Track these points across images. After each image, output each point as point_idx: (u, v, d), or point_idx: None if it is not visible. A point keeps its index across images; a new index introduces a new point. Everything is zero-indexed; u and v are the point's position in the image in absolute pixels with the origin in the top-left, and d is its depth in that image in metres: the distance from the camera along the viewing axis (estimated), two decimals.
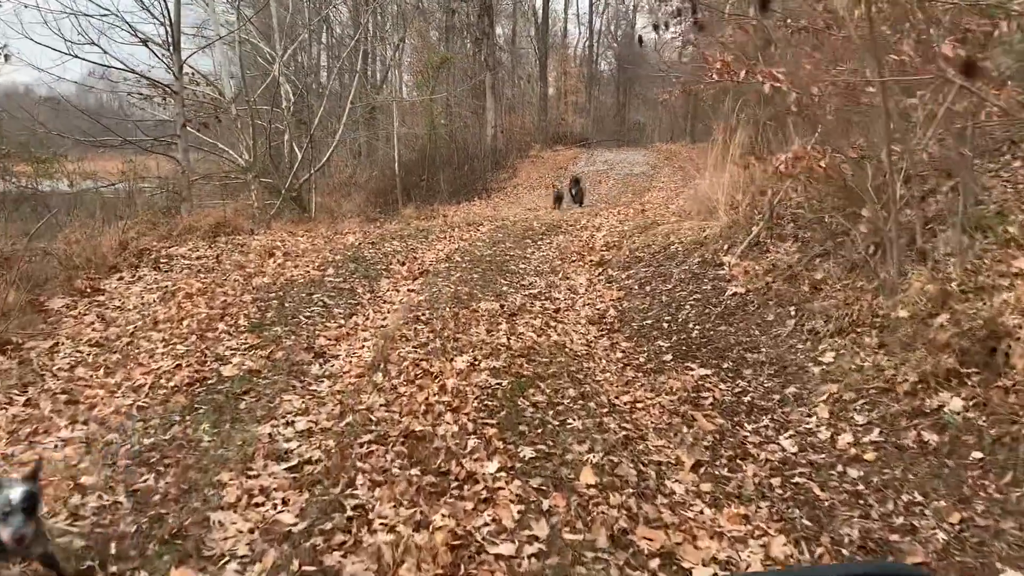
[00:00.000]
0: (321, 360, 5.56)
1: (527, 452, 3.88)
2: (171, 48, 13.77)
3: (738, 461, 3.95)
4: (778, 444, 4.15)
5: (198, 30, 18.69)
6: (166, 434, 4.24)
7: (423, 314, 6.54)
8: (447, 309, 6.65)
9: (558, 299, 7.43)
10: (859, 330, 5.07)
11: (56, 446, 4.09)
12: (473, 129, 27.39)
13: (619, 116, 41.57)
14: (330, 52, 29.66)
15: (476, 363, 5.19)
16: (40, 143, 12.35)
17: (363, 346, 5.90)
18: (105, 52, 12.83)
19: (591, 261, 9.33)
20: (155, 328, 6.31)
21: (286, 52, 19.29)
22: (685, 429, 4.32)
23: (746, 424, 4.43)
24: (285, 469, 3.75)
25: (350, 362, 5.50)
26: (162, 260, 8.95)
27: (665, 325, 6.34)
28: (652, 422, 4.44)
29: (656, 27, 21.34)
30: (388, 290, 7.80)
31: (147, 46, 13.48)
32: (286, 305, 6.88)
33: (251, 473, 3.71)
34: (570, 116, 36.64)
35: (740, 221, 8.11)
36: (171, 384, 5.06)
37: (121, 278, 8.17)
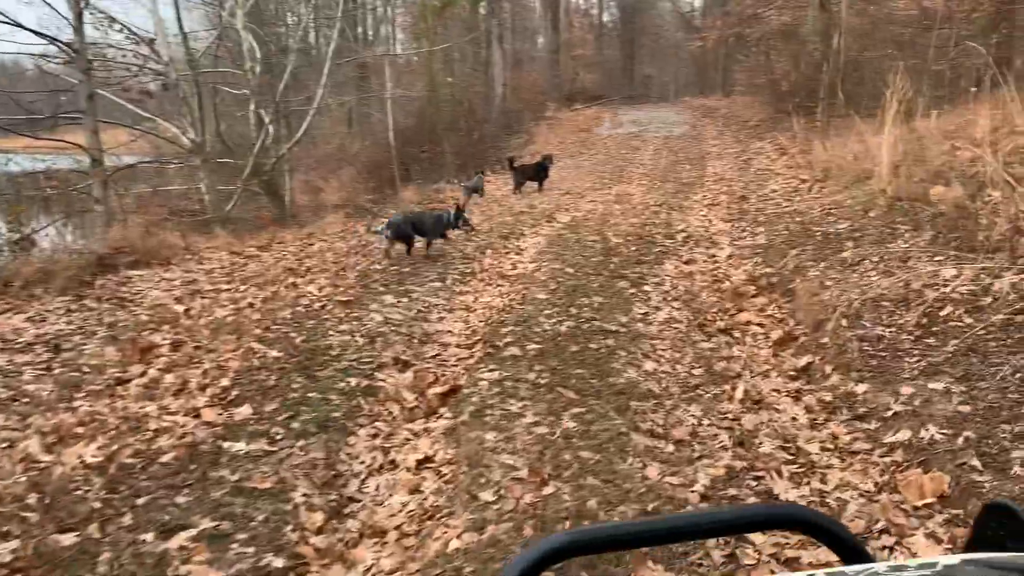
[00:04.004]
0: None
1: None
2: None
3: None
4: None
5: None
6: None
7: None
8: None
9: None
10: None
11: None
12: (478, 88, 22.37)
13: (627, 70, 36.31)
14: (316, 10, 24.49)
15: None
16: None
17: None
18: None
19: (758, 330, 4.68)
20: None
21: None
22: None
23: None
24: None
25: None
26: None
27: None
28: None
29: None
30: (373, 484, 3.16)
31: None
32: None
33: None
34: (580, 72, 31.53)
35: None
36: None
37: None
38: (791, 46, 16.62)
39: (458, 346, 4.52)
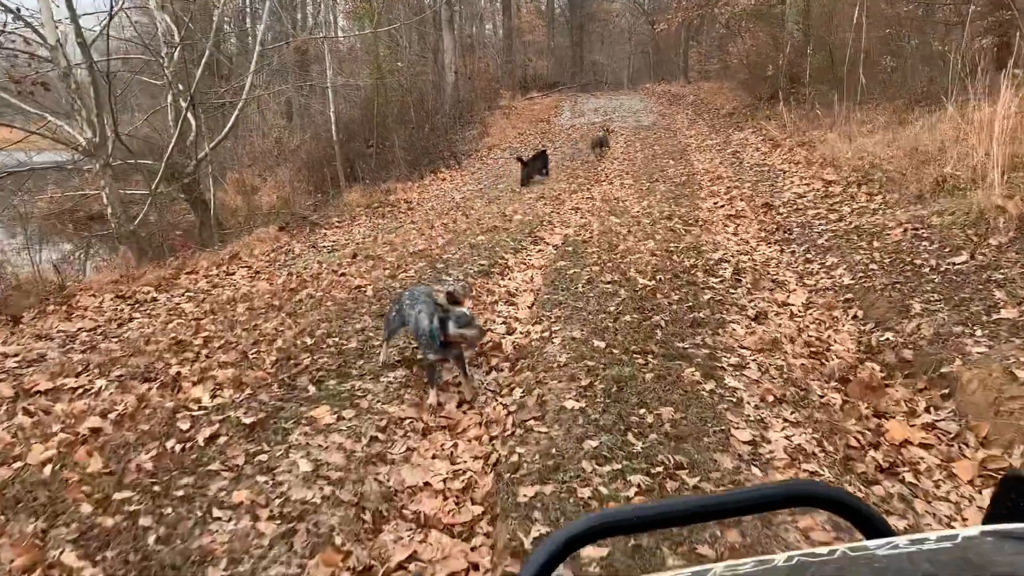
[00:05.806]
0: None
1: None
2: None
3: None
4: None
5: None
6: None
7: None
8: None
9: None
10: None
11: None
12: (428, 77, 20.05)
13: (576, 57, 34.35)
14: None
15: None
16: None
17: None
18: None
19: (932, 462, 2.78)
20: None
21: None
22: None
23: None
24: None
25: None
26: None
27: None
28: None
29: None
30: None
31: None
32: None
33: None
34: (532, 58, 29.46)
35: None
36: None
37: None
38: (769, 27, 14.89)
39: (447, 528, 2.47)
